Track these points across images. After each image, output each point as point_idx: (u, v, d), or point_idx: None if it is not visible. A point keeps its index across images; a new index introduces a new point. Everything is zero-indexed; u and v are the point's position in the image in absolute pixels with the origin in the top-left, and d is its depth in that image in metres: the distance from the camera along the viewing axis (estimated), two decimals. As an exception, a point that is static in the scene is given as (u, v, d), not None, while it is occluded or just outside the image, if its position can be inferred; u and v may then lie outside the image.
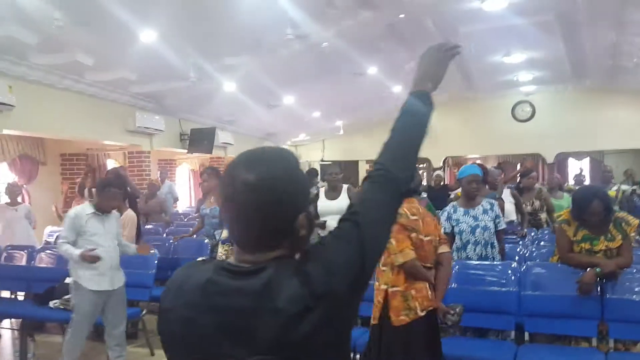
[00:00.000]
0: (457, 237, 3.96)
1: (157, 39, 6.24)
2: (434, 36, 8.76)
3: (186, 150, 10.11)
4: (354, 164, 17.04)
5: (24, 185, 7.82)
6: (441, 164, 16.91)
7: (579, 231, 3.44)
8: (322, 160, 18.50)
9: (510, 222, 5.47)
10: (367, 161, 16.90)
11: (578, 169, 15.20)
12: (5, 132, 6.41)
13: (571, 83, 12.92)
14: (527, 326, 3.51)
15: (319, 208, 5.34)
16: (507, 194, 5.65)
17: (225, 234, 3.80)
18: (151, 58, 6.73)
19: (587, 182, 11.27)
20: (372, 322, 2.96)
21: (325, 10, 7.04)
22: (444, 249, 2.91)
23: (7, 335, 5.65)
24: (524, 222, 5.58)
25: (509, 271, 3.68)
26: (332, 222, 5.21)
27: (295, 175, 1.08)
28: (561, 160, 16.09)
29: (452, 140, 16.72)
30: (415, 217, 2.93)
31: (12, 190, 6.46)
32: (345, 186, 5.36)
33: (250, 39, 7.19)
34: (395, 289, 2.86)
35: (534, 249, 4.65)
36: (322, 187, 5.96)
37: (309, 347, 0.97)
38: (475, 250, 3.89)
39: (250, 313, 0.98)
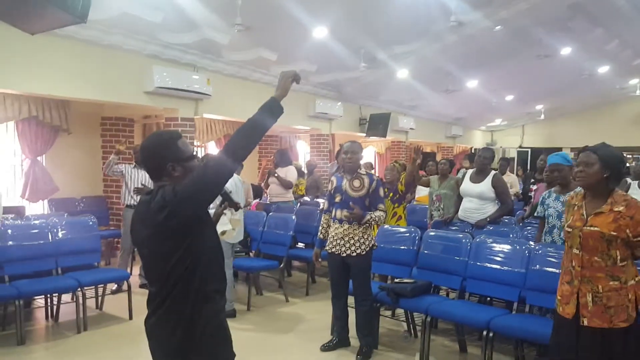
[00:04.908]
0: (545, 222, 4.06)
1: (329, 34, 6.90)
2: (630, 14, 7.75)
3: (364, 134, 10.73)
4: (557, 151, 15.58)
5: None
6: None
7: None
8: (520, 147, 17.44)
9: None
10: (572, 149, 15.41)
11: None
12: (206, 116, 7.81)
13: None
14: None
15: (461, 188, 5.35)
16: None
17: (325, 205, 4.35)
18: (327, 51, 7.44)
19: None
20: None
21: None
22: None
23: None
24: None
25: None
26: (467, 204, 5.21)
27: (160, 145, 2.01)
28: None
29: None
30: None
31: None
32: (493, 172, 5.19)
33: (416, 27, 7.38)
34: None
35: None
36: (470, 169, 5.81)
37: (168, 225, 1.86)
38: (560, 235, 3.84)
39: (145, 211, 1.95)
